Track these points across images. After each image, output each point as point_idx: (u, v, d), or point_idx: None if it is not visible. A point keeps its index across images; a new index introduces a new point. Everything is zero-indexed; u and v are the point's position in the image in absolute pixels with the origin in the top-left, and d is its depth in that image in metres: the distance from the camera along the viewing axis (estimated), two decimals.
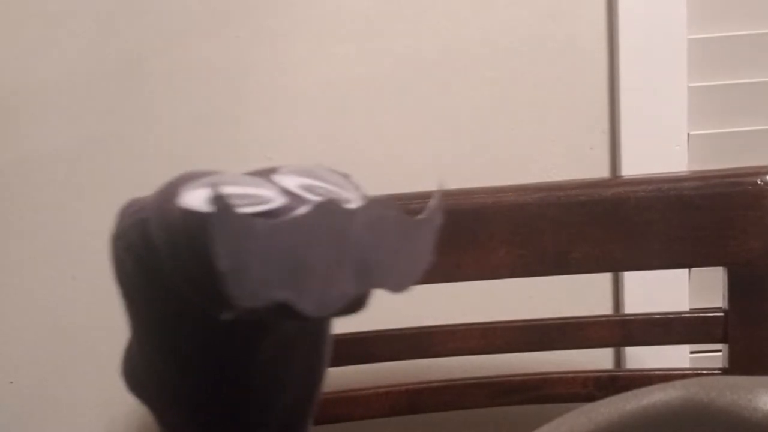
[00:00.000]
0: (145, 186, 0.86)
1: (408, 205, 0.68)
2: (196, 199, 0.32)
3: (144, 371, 0.41)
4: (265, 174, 0.36)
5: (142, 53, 0.82)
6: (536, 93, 0.83)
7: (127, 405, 0.88)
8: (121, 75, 0.83)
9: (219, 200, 0.29)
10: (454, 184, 0.75)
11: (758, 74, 0.84)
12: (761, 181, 0.68)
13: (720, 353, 0.73)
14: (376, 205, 0.33)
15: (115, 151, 0.84)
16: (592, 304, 0.86)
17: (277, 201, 0.33)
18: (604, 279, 0.86)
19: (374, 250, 0.33)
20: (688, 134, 0.83)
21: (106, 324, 0.87)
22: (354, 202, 0.34)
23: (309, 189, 0.35)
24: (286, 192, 0.34)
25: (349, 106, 0.83)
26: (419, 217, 0.35)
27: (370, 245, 0.32)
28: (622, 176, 0.83)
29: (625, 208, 0.70)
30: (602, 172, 0.85)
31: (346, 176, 0.38)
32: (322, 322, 0.43)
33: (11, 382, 0.88)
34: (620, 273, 0.85)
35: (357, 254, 0.32)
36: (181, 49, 0.82)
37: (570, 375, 0.74)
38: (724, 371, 0.71)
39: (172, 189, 0.34)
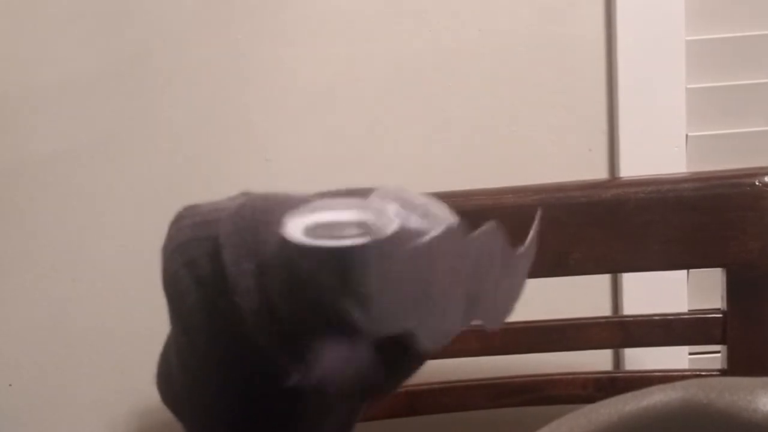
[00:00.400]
0: (145, 186, 0.86)
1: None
2: (302, 230, 0.29)
3: (182, 390, 0.39)
4: (361, 196, 0.33)
5: (142, 54, 0.82)
6: (535, 94, 0.83)
7: (127, 406, 0.88)
8: (122, 76, 0.83)
9: (368, 230, 0.27)
10: (453, 185, 0.75)
11: (756, 75, 0.84)
12: (759, 182, 0.68)
13: (719, 354, 0.73)
14: (488, 234, 0.31)
15: (116, 151, 0.84)
16: (591, 305, 0.86)
17: (393, 226, 0.29)
18: (604, 280, 0.86)
19: (482, 282, 0.31)
20: (687, 135, 0.83)
21: (106, 326, 0.87)
22: (462, 229, 0.31)
23: (406, 216, 0.32)
24: (393, 217, 0.30)
25: (348, 107, 0.83)
26: (520, 249, 0.33)
27: (479, 276, 0.31)
28: (621, 177, 0.83)
29: (624, 210, 0.70)
30: (601, 173, 0.85)
31: (433, 201, 0.35)
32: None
33: (10, 385, 0.88)
34: (619, 274, 0.85)
35: (469, 285, 0.30)
36: (182, 49, 0.82)
37: (569, 376, 0.74)
38: (723, 372, 0.71)
39: (258, 217, 0.31)
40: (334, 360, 0.29)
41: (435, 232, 0.29)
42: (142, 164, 0.84)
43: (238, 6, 0.82)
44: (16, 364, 0.88)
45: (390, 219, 0.29)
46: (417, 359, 0.30)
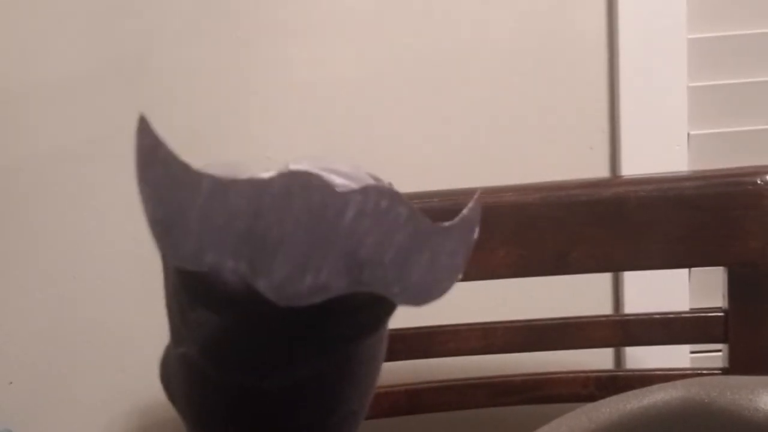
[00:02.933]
0: None
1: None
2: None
3: (175, 378, 0.38)
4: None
5: (142, 53, 0.82)
6: (536, 92, 0.83)
7: (127, 405, 0.88)
8: (121, 75, 0.83)
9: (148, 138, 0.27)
10: (454, 183, 0.75)
11: (758, 74, 0.84)
12: (761, 180, 0.68)
13: (720, 353, 0.73)
14: (380, 196, 0.29)
15: (116, 151, 0.84)
16: (592, 304, 0.86)
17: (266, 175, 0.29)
18: (605, 279, 0.86)
19: (372, 247, 0.29)
20: (688, 134, 0.83)
21: (106, 324, 0.87)
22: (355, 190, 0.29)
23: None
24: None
25: (348, 106, 0.83)
26: (447, 223, 0.31)
27: (365, 240, 0.28)
28: (622, 176, 0.83)
29: (625, 208, 0.69)
30: (602, 171, 0.85)
31: (359, 168, 0.34)
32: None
33: (11, 383, 0.88)
34: (620, 273, 0.85)
35: (345, 246, 0.28)
36: (181, 49, 0.82)
37: (570, 375, 0.74)
38: (725, 371, 0.71)
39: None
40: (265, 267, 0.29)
41: (271, 173, 0.28)
42: None
43: (238, 4, 0.82)
44: (16, 362, 0.88)
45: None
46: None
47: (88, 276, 0.86)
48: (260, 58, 0.83)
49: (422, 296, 0.31)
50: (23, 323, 0.87)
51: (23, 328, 0.87)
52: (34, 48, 0.82)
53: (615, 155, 0.84)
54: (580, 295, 0.85)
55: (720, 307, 0.71)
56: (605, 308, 0.87)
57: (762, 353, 0.70)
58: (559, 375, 0.74)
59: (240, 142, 0.84)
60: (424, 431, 0.86)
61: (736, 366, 0.70)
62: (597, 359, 0.83)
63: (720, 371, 0.72)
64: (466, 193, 0.71)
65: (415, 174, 0.84)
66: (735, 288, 0.70)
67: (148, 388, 0.86)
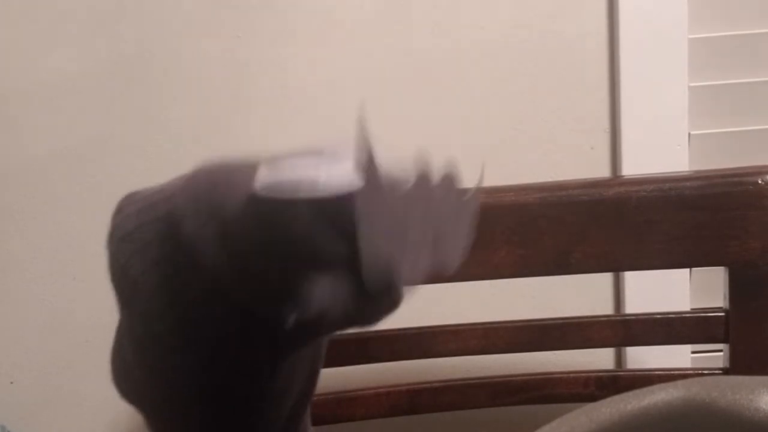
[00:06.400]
0: (145, 184, 0.86)
1: None
2: (274, 184, 0.29)
3: (144, 381, 0.38)
4: (315, 156, 0.32)
5: (141, 53, 0.82)
6: (537, 92, 0.83)
7: (129, 405, 0.88)
8: (121, 75, 0.83)
9: (368, 171, 0.27)
10: None
11: (759, 74, 0.84)
12: (762, 180, 0.68)
13: (721, 353, 0.73)
14: (448, 180, 0.33)
15: (115, 151, 0.84)
16: (593, 304, 0.86)
17: (358, 181, 0.29)
18: (605, 279, 0.86)
19: (442, 225, 0.32)
20: (689, 134, 0.83)
21: (107, 323, 0.87)
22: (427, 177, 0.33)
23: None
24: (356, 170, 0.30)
25: (349, 106, 0.83)
26: (467, 195, 0.34)
27: (441, 219, 0.32)
28: (623, 176, 0.83)
29: (626, 208, 0.69)
30: (603, 171, 0.85)
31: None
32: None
33: (12, 382, 0.88)
34: (621, 273, 0.85)
35: (434, 228, 0.31)
36: (181, 48, 0.82)
37: (571, 375, 0.73)
38: (726, 371, 0.71)
39: (215, 179, 0.31)
40: (325, 297, 0.29)
41: (410, 180, 0.30)
42: (142, 163, 0.84)
43: (237, 4, 0.82)
44: (17, 361, 0.88)
45: (347, 172, 0.29)
46: (397, 297, 0.31)
47: (88, 276, 0.86)
48: (260, 58, 0.82)
49: (455, 263, 0.33)
50: (23, 323, 0.87)
51: (23, 328, 0.87)
52: (34, 48, 0.82)
53: (616, 155, 0.84)
54: (580, 295, 0.85)
55: (721, 307, 0.71)
56: (606, 308, 0.87)
57: (763, 353, 0.70)
58: (559, 375, 0.74)
59: (240, 142, 0.84)
60: (425, 431, 0.86)
61: (737, 366, 0.70)
62: (598, 359, 0.83)
63: (721, 371, 0.72)
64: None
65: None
66: (736, 288, 0.70)
67: None
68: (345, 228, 0.27)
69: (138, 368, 0.38)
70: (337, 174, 0.30)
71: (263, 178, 0.29)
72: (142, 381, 0.38)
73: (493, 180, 0.76)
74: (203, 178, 0.32)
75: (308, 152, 0.33)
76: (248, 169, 0.31)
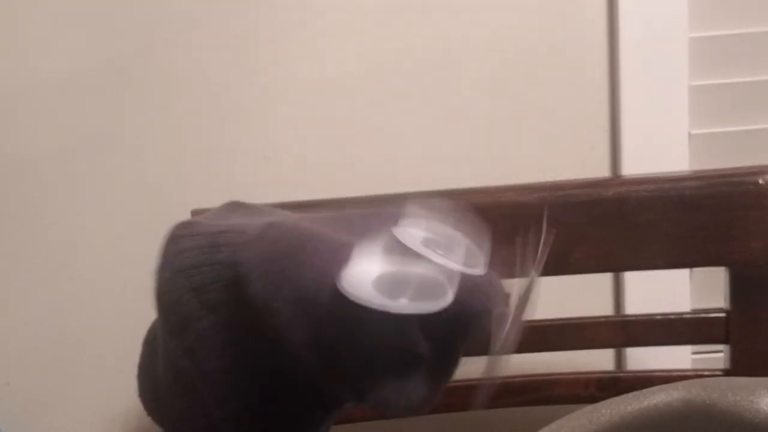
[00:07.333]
0: (144, 184, 0.86)
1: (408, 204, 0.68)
2: (370, 286, 0.29)
3: (178, 408, 0.38)
4: (388, 220, 0.32)
5: (140, 52, 0.82)
6: (537, 92, 0.83)
7: (125, 406, 0.88)
8: (120, 75, 0.82)
9: (499, 303, 0.30)
10: (454, 184, 0.75)
11: (760, 73, 0.84)
12: (763, 180, 0.68)
13: (722, 354, 0.72)
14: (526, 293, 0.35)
15: (114, 151, 0.84)
16: (593, 304, 0.86)
17: (450, 290, 0.31)
18: (605, 279, 0.86)
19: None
20: (690, 133, 0.83)
21: (103, 325, 0.87)
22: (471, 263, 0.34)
23: (431, 244, 0.33)
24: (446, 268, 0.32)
25: (348, 106, 0.83)
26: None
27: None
28: (623, 176, 0.82)
29: (626, 208, 0.69)
30: (603, 171, 0.84)
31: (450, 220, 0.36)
32: None
33: (7, 384, 0.88)
34: (621, 273, 0.84)
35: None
36: (180, 48, 0.82)
37: (571, 376, 0.73)
38: (726, 372, 0.71)
39: (283, 250, 0.31)
40: (399, 396, 0.31)
41: (502, 308, 0.33)
42: (141, 164, 0.84)
43: (237, 3, 0.81)
44: (12, 362, 0.88)
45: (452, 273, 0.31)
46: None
47: (87, 276, 0.86)
48: (260, 58, 0.82)
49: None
50: (20, 323, 0.87)
51: (20, 329, 0.87)
52: (34, 48, 0.82)
53: (616, 155, 0.84)
54: (580, 295, 0.85)
55: (721, 308, 0.71)
56: (606, 309, 0.87)
57: (763, 354, 0.70)
58: (559, 376, 0.73)
59: (240, 142, 0.84)
60: None
61: (738, 367, 0.70)
62: (598, 360, 0.82)
63: (721, 372, 0.71)
64: (466, 193, 0.71)
65: (415, 173, 0.83)
66: (736, 288, 0.70)
67: None
68: (433, 331, 0.29)
69: (173, 395, 0.38)
70: (434, 278, 0.31)
71: (353, 275, 0.29)
72: (177, 408, 0.38)
73: (492, 180, 0.76)
74: (269, 242, 0.32)
75: (371, 216, 0.34)
76: (331, 254, 0.31)
